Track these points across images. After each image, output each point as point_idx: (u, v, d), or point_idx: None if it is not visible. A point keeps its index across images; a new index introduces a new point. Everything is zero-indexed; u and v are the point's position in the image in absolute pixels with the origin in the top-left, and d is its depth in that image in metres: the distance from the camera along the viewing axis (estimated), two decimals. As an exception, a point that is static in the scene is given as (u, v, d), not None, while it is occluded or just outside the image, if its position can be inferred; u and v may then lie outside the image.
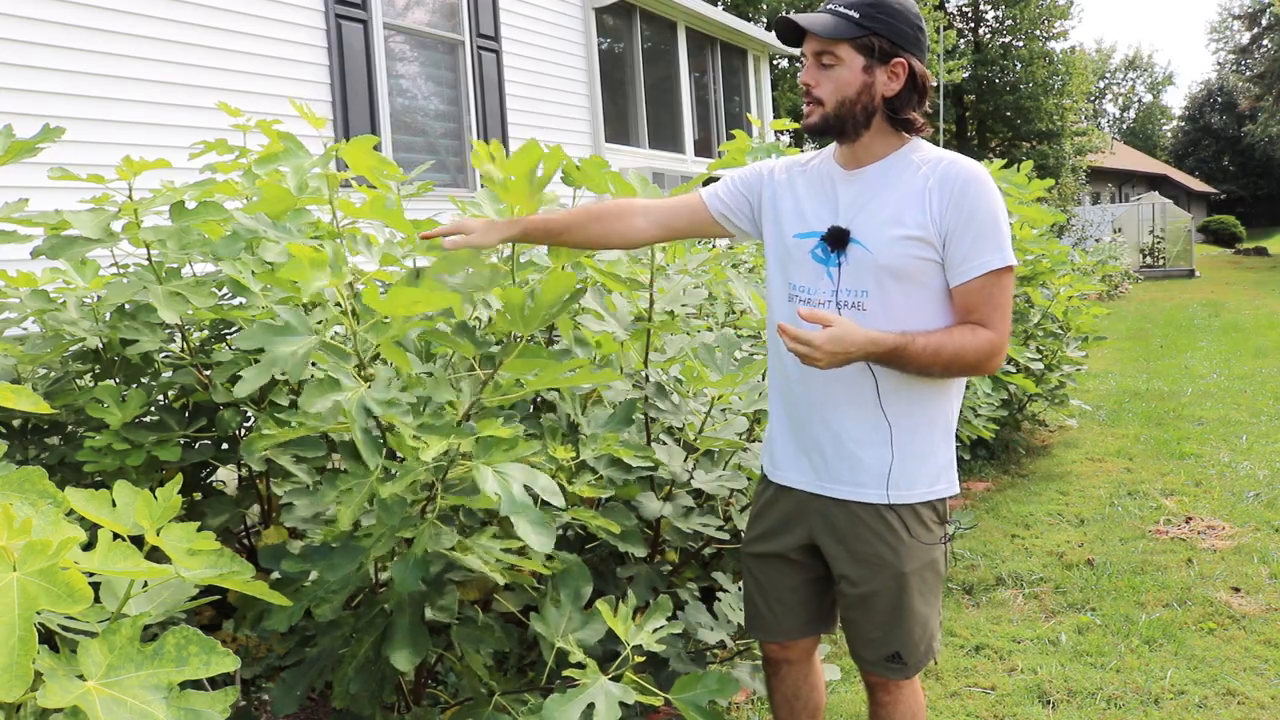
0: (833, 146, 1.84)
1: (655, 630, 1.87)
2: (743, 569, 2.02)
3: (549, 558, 2.01)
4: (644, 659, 1.91)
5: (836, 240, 1.72)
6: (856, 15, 1.66)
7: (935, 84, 1.78)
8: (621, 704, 1.69)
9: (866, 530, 1.79)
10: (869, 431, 1.76)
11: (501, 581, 1.90)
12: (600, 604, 1.88)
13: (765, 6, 20.88)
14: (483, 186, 6.96)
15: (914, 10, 1.72)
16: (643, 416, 2.44)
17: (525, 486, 1.59)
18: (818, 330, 1.58)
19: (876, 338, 1.61)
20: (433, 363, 2.12)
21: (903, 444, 1.76)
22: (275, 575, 1.84)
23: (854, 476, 1.79)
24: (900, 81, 1.70)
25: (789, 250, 1.81)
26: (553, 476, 1.85)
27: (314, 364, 2.18)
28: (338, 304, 1.84)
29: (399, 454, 1.73)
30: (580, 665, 1.78)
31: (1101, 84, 51.46)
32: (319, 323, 1.81)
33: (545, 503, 1.66)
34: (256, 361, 2.27)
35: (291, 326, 1.66)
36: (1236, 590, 3.51)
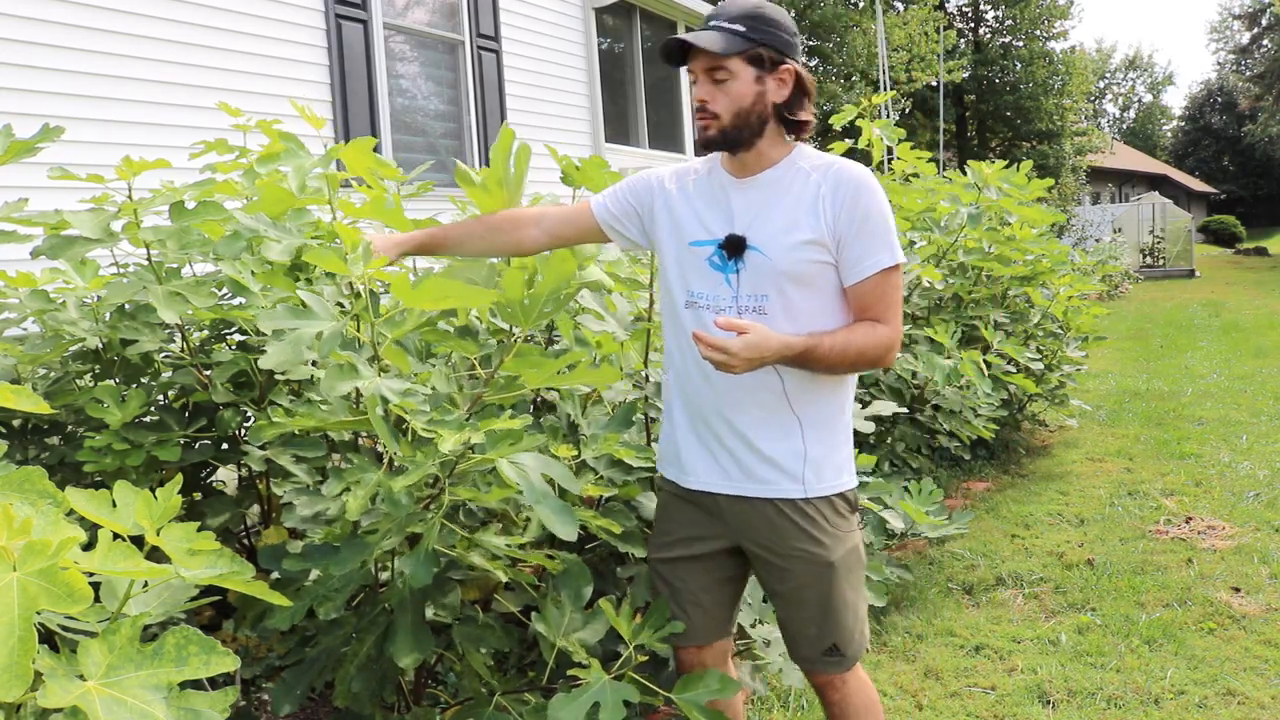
0: (720, 154, 1.87)
1: (657, 630, 1.87)
2: (652, 576, 2.02)
3: (549, 557, 2.01)
4: (646, 659, 1.91)
5: (734, 248, 1.77)
6: (743, 29, 1.72)
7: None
8: (625, 703, 1.70)
9: (790, 526, 1.81)
10: (778, 429, 1.80)
11: (504, 579, 1.90)
12: (603, 603, 1.89)
13: (765, 6, 20.87)
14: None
15: (789, 19, 1.80)
16: (643, 416, 2.45)
17: (542, 475, 1.60)
18: (733, 338, 1.61)
19: (789, 342, 1.66)
20: (431, 363, 2.12)
21: (812, 438, 1.81)
22: (275, 575, 1.84)
23: (768, 474, 1.81)
24: (789, 87, 1.77)
25: (685, 258, 1.84)
26: (554, 477, 1.85)
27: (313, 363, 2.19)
28: (357, 294, 1.86)
29: (399, 456, 1.73)
30: (583, 665, 1.78)
31: (1101, 84, 51.44)
32: (341, 308, 1.84)
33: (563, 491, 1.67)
34: (259, 360, 2.28)
35: (313, 311, 1.72)
36: (1237, 590, 3.51)
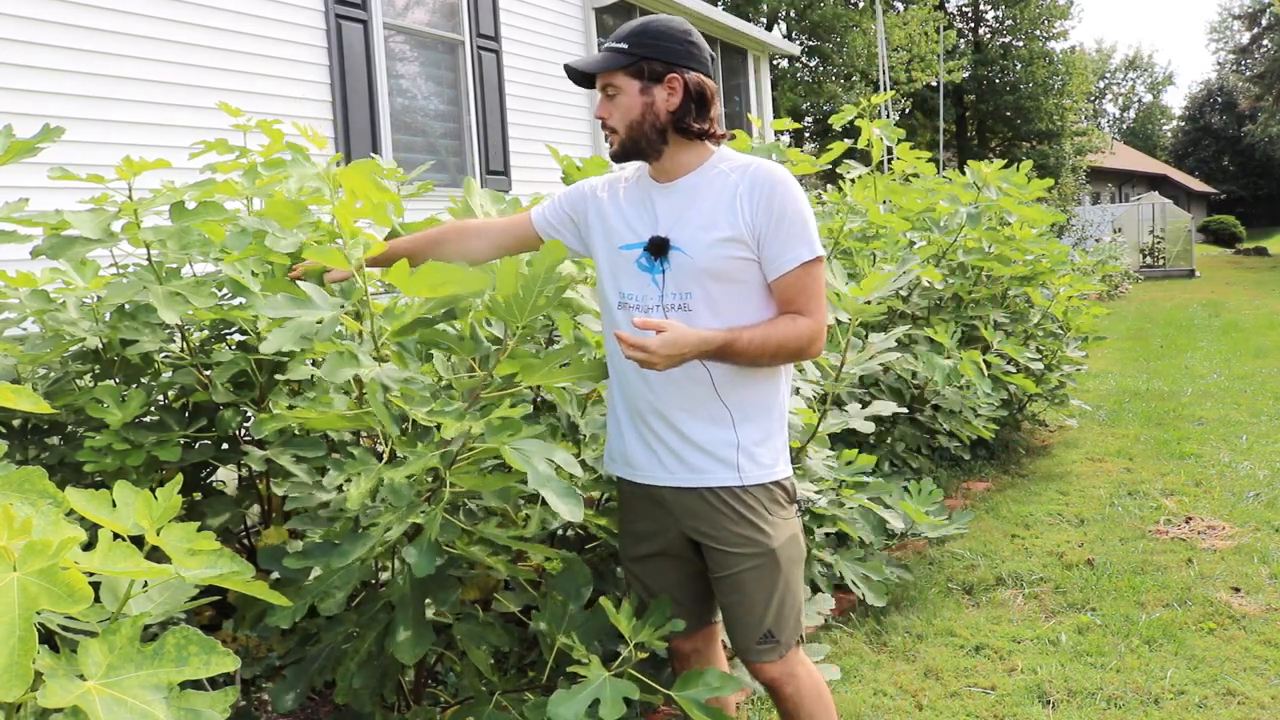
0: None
1: (656, 628, 1.87)
2: (626, 577, 2.07)
3: (549, 557, 2.01)
4: (646, 655, 1.91)
5: (658, 249, 1.84)
6: (626, 46, 1.83)
7: (718, 91, 1.91)
8: (625, 700, 1.70)
9: (730, 513, 1.86)
10: (709, 420, 1.86)
11: (504, 575, 1.91)
12: (603, 601, 1.89)
13: (765, 7, 20.89)
14: (483, 186, 6.87)
15: (681, 28, 1.86)
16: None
17: (546, 459, 1.61)
18: (652, 336, 1.67)
19: (706, 336, 1.73)
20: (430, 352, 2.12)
21: (744, 428, 1.87)
22: (275, 575, 1.84)
23: (703, 463, 1.87)
24: (679, 95, 1.83)
25: (617, 261, 1.91)
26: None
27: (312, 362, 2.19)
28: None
29: (399, 444, 1.74)
30: (583, 662, 1.78)
31: (1101, 84, 51.38)
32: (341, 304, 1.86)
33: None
34: (259, 360, 2.29)
35: (314, 300, 1.75)
36: (1236, 590, 3.51)
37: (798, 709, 1.95)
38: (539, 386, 2.14)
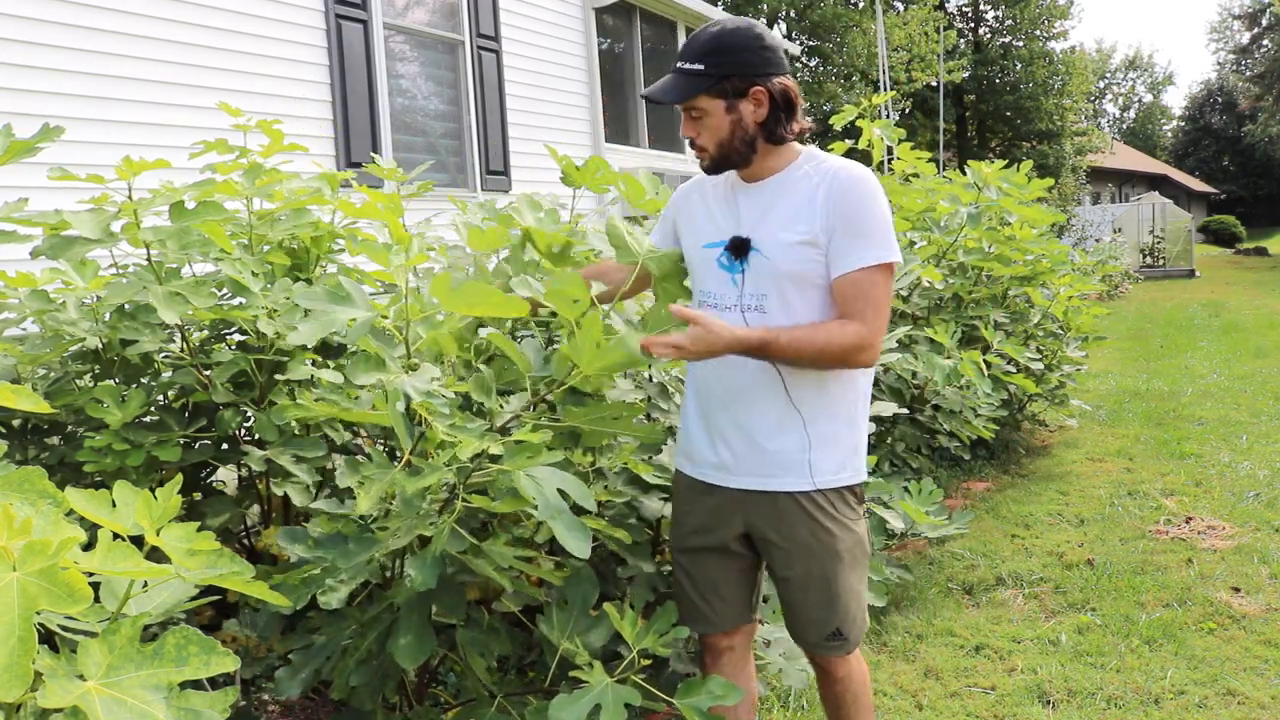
0: None
1: (661, 635, 1.87)
2: (674, 567, 2.07)
3: (558, 565, 2.00)
4: (649, 662, 1.91)
5: (738, 249, 1.84)
6: (702, 66, 1.78)
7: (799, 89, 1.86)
8: (626, 705, 1.69)
9: (799, 517, 1.86)
10: (780, 425, 1.85)
11: (509, 589, 1.90)
12: (608, 607, 1.89)
13: (765, 7, 20.88)
14: (483, 186, 6.81)
15: (754, 34, 1.81)
16: (644, 418, 2.44)
17: (558, 489, 1.60)
18: (683, 333, 1.68)
19: (740, 335, 1.71)
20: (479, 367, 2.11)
21: (815, 433, 1.85)
22: (278, 570, 1.83)
23: (774, 468, 1.86)
24: (765, 106, 1.81)
25: (699, 259, 1.92)
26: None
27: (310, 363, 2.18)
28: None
29: (413, 458, 1.73)
30: (587, 666, 1.78)
31: (1101, 84, 51.33)
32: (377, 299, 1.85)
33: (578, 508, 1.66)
34: (259, 360, 2.29)
35: (352, 298, 1.72)
36: (1236, 590, 3.51)
37: (845, 692, 2.00)
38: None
